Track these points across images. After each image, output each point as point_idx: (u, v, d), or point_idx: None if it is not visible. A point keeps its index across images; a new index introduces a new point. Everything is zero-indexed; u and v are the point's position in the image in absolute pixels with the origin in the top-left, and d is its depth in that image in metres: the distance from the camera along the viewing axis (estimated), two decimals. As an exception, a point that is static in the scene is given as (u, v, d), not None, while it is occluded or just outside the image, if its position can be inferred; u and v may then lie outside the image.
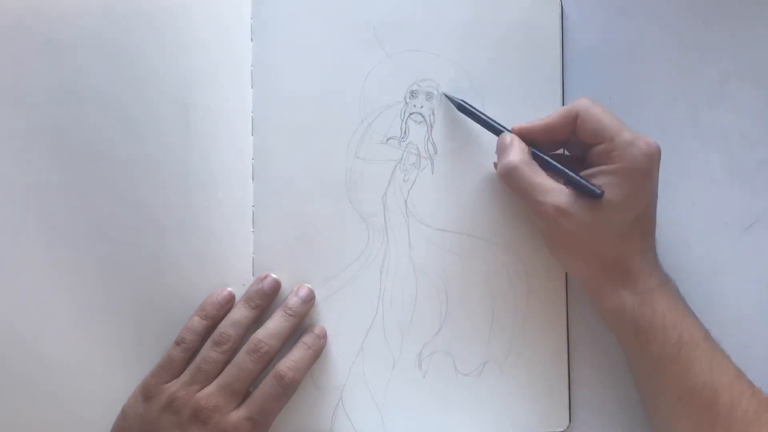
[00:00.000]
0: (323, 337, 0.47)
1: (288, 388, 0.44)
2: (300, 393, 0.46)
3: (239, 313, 0.46)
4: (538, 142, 0.45)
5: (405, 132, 0.48)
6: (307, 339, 0.46)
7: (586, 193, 0.42)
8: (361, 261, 0.48)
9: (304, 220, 0.47)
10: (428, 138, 0.48)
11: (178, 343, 0.46)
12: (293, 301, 0.46)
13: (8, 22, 0.46)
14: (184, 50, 0.47)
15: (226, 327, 0.45)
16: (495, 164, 0.47)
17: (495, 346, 0.48)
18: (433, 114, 0.48)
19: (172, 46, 0.47)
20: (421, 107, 0.48)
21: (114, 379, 0.46)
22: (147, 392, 0.45)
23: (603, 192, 0.42)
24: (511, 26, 0.48)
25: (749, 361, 0.43)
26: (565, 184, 0.43)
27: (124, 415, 0.45)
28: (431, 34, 0.48)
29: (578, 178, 0.42)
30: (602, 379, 0.48)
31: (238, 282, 0.47)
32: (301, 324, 0.47)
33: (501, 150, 0.45)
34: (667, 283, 0.44)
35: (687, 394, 0.42)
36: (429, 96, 0.48)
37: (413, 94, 0.48)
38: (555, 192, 0.42)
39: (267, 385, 0.44)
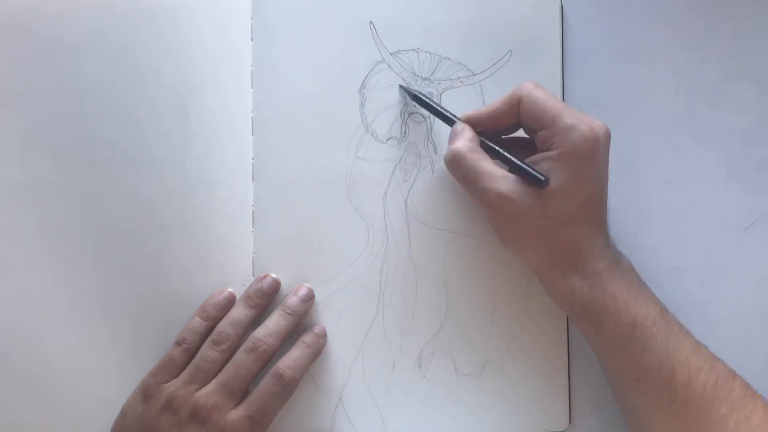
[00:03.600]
0: (323, 336, 0.47)
1: (287, 387, 0.44)
2: (300, 393, 0.46)
3: (238, 313, 0.46)
4: (488, 128, 0.44)
5: (405, 132, 0.48)
6: (307, 338, 0.46)
7: (531, 180, 0.41)
8: (361, 261, 0.48)
9: (304, 220, 0.48)
10: (428, 138, 0.48)
11: (178, 343, 0.46)
12: (292, 300, 0.46)
13: (8, 22, 0.46)
14: (184, 50, 0.47)
15: (224, 326, 0.45)
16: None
17: (495, 346, 0.48)
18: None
19: (173, 45, 0.47)
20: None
21: (114, 379, 0.46)
22: (146, 392, 0.45)
23: (547, 179, 0.41)
24: (511, 26, 0.48)
25: (749, 361, 0.43)
26: (510, 170, 0.43)
27: (123, 414, 0.45)
28: (431, 34, 0.48)
29: (523, 165, 0.42)
30: (602, 379, 0.48)
31: (238, 282, 0.47)
32: (301, 323, 0.47)
33: (451, 138, 0.44)
34: (618, 263, 0.43)
35: (644, 373, 0.42)
36: (429, 96, 0.48)
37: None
38: (499, 178, 0.42)
39: (266, 383, 0.44)
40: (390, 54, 0.48)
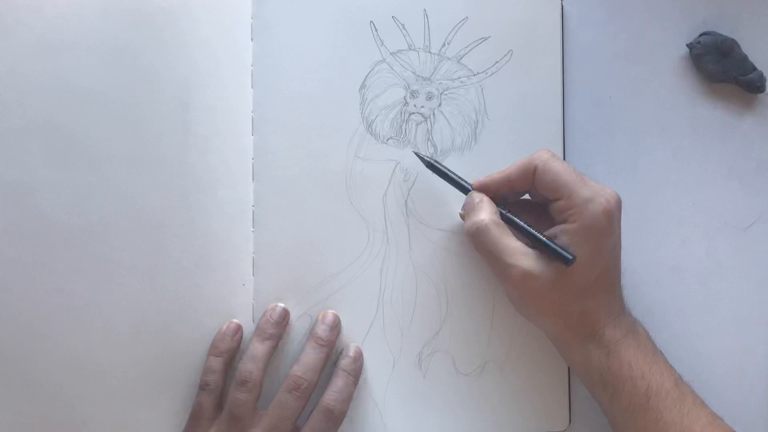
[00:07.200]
0: (359, 358, 0.47)
1: (337, 421, 0.44)
2: (300, 393, 0.46)
3: (254, 348, 0.45)
4: (499, 193, 0.45)
5: (405, 132, 0.48)
6: (345, 366, 0.46)
7: (557, 258, 0.42)
8: (361, 261, 0.48)
9: (304, 220, 0.47)
10: (428, 138, 0.48)
11: (202, 387, 0.45)
12: (321, 329, 0.46)
13: (8, 22, 0.46)
14: (184, 50, 0.47)
15: (245, 365, 0.44)
16: (460, 215, 0.46)
17: (495, 346, 0.48)
18: (434, 114, 0.48)
19: (173, 45, 0.47)
20: (422, 107, 0.48)
21: (113, 379, 0.46)
22: None
23: (575, 257, 0.41)
24: (511, 26, 0.48)
25: (749, 361, 0.43)
26: (533, 245, 0.43)
27: None
28: (432, 34, 0.48)
29: (551, 243, 0.42)
30: (602, 380, 0.48)
31: (238, 282, 0.47)
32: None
33: (470, 209, 0.44)
34: (634, 331, 0.43)
35: None
36: (429, 96, 0.48)
37: (414, 94, 0.48)
38: (522, 255, 0.42)
39: (317, 420, 0.44)
40: (390, 54, 0.48)
